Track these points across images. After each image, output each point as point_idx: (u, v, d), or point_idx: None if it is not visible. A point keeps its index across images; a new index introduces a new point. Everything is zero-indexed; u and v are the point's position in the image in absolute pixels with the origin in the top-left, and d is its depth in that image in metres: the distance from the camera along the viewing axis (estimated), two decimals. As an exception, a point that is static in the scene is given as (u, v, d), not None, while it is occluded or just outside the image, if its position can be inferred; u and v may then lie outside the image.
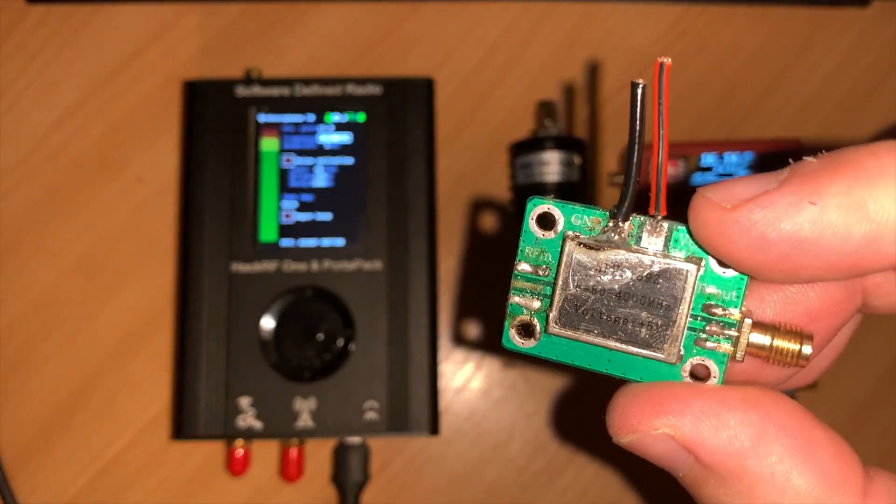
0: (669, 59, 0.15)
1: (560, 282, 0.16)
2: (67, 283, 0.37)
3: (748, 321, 0.15)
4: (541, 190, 0.35)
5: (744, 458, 0.14)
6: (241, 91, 0.35)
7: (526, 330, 0.17)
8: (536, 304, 0.17)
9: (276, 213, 0.35)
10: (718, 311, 0.15)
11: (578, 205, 0.16)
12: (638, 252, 0.16)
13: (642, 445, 0.15)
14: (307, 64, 0.39)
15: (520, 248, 0.17)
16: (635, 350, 0.16)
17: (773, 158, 0.36)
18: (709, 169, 0.36)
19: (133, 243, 0.38)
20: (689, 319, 0.16)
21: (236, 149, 0.35)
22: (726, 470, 0.14)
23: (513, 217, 0.37)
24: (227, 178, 0.35)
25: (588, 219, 0.16)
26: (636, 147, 0.15)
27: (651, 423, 0.15)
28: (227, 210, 0.35)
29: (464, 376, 0.37)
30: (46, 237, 0.38)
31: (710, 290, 0.16)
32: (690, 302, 0.15)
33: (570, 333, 0.16)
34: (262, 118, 0.35)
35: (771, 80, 0.40)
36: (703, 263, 0.16)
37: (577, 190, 0.35)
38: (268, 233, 0.35)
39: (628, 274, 0.16)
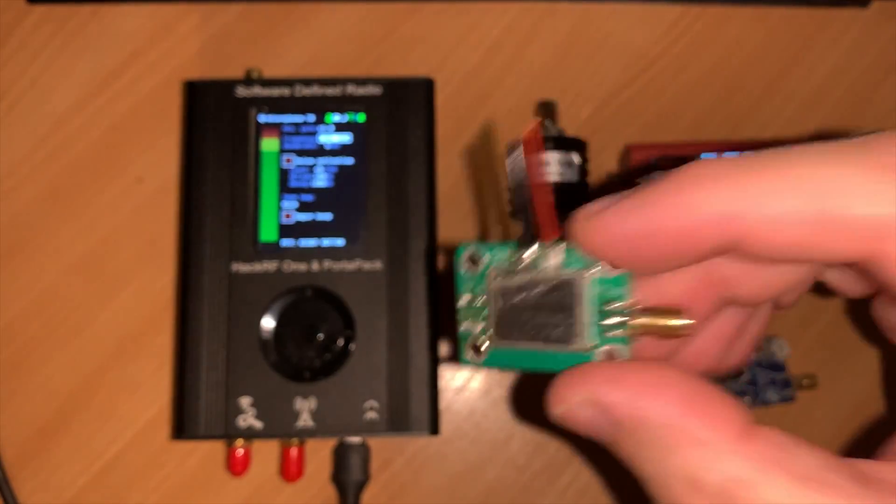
0: (534, 123, 0.21)
1: (491, 305, 0.21)
2: (68, 283, 0.37)
3: (634, 310, 0.19)
4: None
5: (644, 409, 0.18)
6: (242, 91, 0.36)
7: (475, 349, 0.21)
8: (478, 327, 0.21)
9: (276, 213, 0.35)
10: (612, 305, 0.19)
11: (495, 242, 0.21)
12: (542, 271, 0.20)
13: (571, 415, 0.19)
14: (307, 64, 0.39)
15: (456, 286, 0.21)
16: (557, 347, 0.20)
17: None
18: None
19: (133, 243, 0.38)
20: (591, 316, 0.20)
21: (237, 149, 0.35)
22: (634, 421, 0.18)
23: (511, 216, 0.37)
24: (227, 179, 0.35)
25: (505, 252, 0.21)
26: (526, 193, 0.20)
27: (574, 393, 0.19)
28: (227, 210, 0.35)
29: (464, 376, 0.37)
30: (47, 237, 0.38)
31: (605, 289, 0.19)
32: (586, 302, 0.20)
33: (507, 343, 0.21)
34: (263, 118, 0.36)
35: (771, 81, 0.40)
36: (590, 271, 0.20)
37: (576, 190, 0.35)
38: (268, 233, 0.35)
39: (539, 289, 0.20)
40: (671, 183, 0.18)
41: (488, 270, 0.21)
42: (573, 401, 0.19)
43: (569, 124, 0.39)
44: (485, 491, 0.36)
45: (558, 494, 0.36)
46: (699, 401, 0.18)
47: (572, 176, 0.35)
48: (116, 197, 0.38)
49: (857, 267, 0.19)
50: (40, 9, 0.40)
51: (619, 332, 0.19)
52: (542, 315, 0.20)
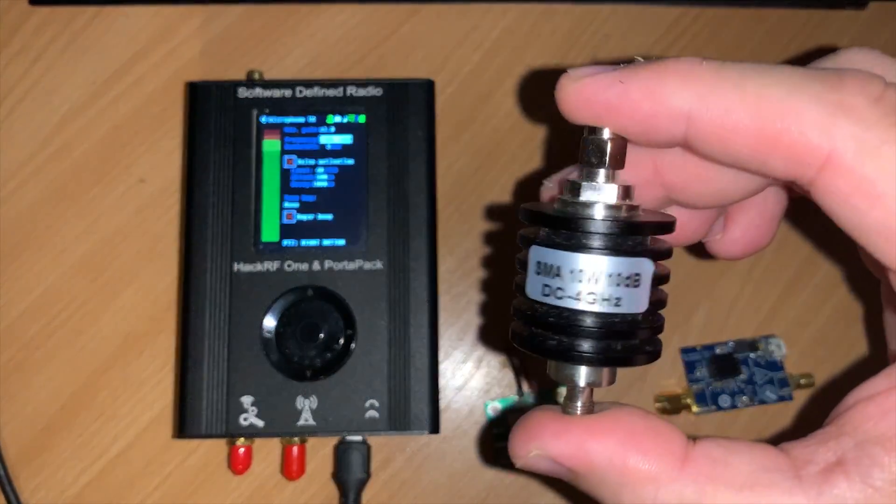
0: None
1: None
2: (70, 283, 0.38)
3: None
4: (573, 332, 0.21)
5: (589, 456, 0.20)
6: (244, 92, 0.36)
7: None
8: None
9: (277, 213, 0.35)
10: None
11: (510, 396, 0.34)
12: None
13: (531, 466, 0.21)
14: (308, 66, 0.40)
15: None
16: None
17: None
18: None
19: (136, 243, 0.38)
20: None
21: (238, 150, 0.35)
22: (585, 468, 0.20)
23: (513, 215, 0.37)
24: (229, 179, 0.35)
25: (511, 401, 0.36)
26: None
27: (527, 448, 0.21)
28: (229, 210, 0.35)
29: (464, 375, 0.37)
30: (49, 238, 0.38)
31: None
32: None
33: None
34: (264, 119, 0.36)
35: (769, 82, 0.40)
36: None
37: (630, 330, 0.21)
38: (270, 233, 0.35)
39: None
40: (647, 71, 0.20)
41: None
42: (529, 455, 0.21)
43: (568, 125, 0.39)
44: (485, 489, 0.37)
45: (558, 493, 0.37)
46: (639, 437, 0.19)
47: (632, 303, 0.21)
48: (119, 197, 0.38)
49: (794, 186, 0.20)
50: (43, 10, 0.40)
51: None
52: None
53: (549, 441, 0.20)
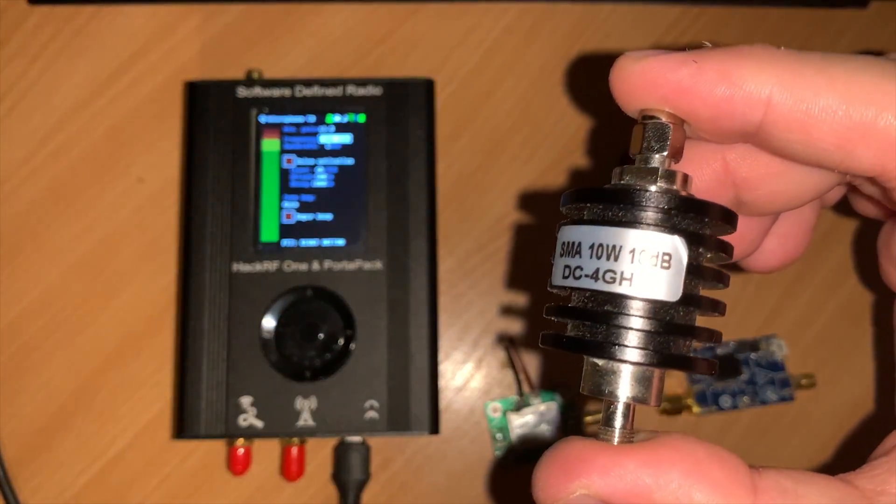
0: None
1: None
2: (69, 283, 0.37)
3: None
4: (618, 311, 0.18)
5: (650, 494, 0.17)
6: (243, 92, 0.36)
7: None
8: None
9: (277, 213, 0.35)
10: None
11: (510, 397, 0.36)
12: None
13: None
14: (308, 65, 0.40)
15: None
16: None
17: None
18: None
19: (134, 243, 0.38)
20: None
21: (237, 149, 0.35)
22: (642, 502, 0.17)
23: (513, 216, 0.37)
24: (228, 179, 0.35)
25: (512, 402, 0.37)
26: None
27: (568, 489, 0.17)
28: (228, 210, 0.35)
29: (464, 376, 0.37)
30: (48, 237, 0.38)
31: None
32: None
33: None
34: (263, 119, 0.36)
35: (770, 81, 0.40)
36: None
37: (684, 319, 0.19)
38: (269, 233, 0.35)
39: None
40: (722, 54, 0.19)
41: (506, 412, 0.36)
42: (571, 497, 0.17)
43: (568, 125, 0.39)
44: (484, 490, 0.37)
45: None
46: (705, 469, 0.17)
47: (692, 288, 0.19)
48: (118, 197, 0.38)
49: (874, 182, 0.19)
50: (41, 10, 0.40)
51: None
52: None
53: (597, 478, 0.17)
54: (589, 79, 0.40)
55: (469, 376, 0.37)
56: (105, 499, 0.36)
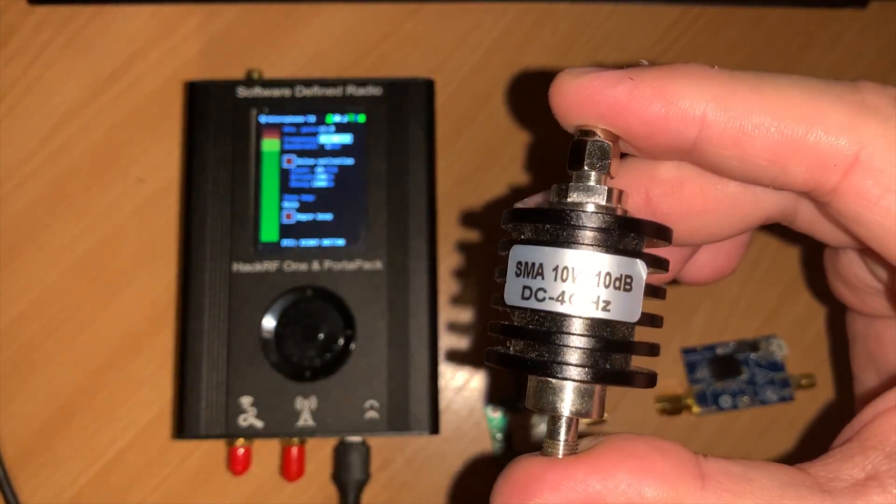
0: None
1: None
2: (69, 283, 0.37)
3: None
4: (554, 341, 0.19)
5: (603, 499, 0.17)
6: (243, 92, 0.36)
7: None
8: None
9: (277, 213, 0.35)
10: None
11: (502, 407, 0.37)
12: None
13: None
14: (308, 65, 0.40)
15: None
16: None
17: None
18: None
19: (134, 243, 0.38)
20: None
21: (237, 149, 0.35)
22: None
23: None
24: (228, 179, 0.35)
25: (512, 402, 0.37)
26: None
27: None
28: (228, 210, 0.35)
29: (464, 376, 0.37)
30: (48, 237, 0.38)
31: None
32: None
33: None
34: (264, 119, 0.36)
35: (770, 81, 0.40)
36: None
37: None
38: (269, 233, 0.35)
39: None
40: (657, 72, 0.19)
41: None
42: None
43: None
44: (484, 490, 0.36)
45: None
46: (649, 463, 0.17)
47: (623, 310, 0.19)
48: (117, 197, 0.38)
49: (808, 197, 0.19)
50: (42, 10, 0.40)
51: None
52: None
53: (550, 495, 0.17)
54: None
55: (469, 376, 0.37)
56: (105, 499, 0.36)
